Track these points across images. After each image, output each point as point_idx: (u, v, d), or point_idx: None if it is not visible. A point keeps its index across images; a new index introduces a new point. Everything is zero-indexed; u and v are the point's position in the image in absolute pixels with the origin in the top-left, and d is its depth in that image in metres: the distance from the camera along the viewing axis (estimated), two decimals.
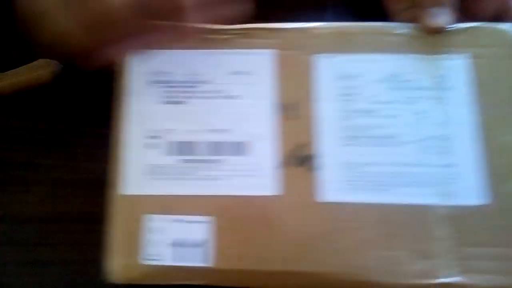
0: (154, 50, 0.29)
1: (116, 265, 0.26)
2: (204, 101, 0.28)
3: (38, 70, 0.33)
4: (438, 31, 0.29)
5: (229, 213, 0.27)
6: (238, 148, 0.28)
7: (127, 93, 0.28)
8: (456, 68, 0.28)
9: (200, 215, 0.27)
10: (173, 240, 0.26)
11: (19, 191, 0.31)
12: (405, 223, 0.26)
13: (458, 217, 0.26)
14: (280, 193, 0.27)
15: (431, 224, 0.26)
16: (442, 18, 0.28)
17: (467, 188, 0.27)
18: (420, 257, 0.26)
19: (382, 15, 0.31)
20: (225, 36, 0.29)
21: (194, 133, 0.28)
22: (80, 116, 0.33)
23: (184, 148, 0.28)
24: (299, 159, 0.27)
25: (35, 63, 0.33)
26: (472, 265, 0.25)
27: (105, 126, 0.29)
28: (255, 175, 0.27)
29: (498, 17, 0.31)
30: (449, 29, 0.29)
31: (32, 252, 0.30)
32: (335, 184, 0.27)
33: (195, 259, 0.26)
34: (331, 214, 0.27)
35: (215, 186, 0.27)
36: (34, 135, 0.32)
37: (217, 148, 0.28)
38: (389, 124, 0.28)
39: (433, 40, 0.29)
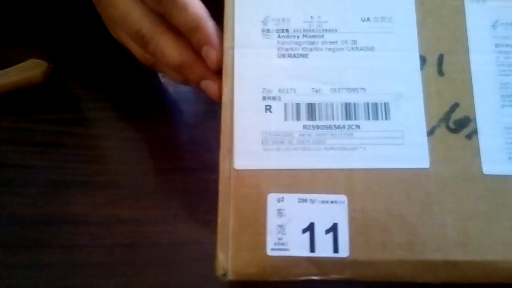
0: None
1: (233, 258, 0.21)
2: (331, 54, 0.23)
3: (29, 71, 0.32)
4: None
5: (367, 190, 0.22)
6: (376, 111, 0.22)
7: (237, 45, 0.23)
8: None
9: (335, 193, 0.22)
10: (303, 225, 0.21)
11: (11, 192, 0.30)
12: None
13: None
14: (433, 166, 0.22)
15: None
16: None
17: None
18: None
19: None
20: None
21: (319, 93, 0.23)
22: (72, 117, 0.32)
23: (309, 111, 0.22)
24: (453, 123, 0.22)
25: (26, 63, 0.32)
26: None
27: (97, 126, 0.31)
28: (400, 143, 0.22)
29: None
30: None
31: (25, 255, 0.28)
32: (498, 154, 0.22)
33: (330, 249, 0.21)
34: (497, 190, 0.22)
35: (350, 158, 0.22)
36: (25, 136, 0.32)
37: (350, 111, 0.22)
38: None
39: None
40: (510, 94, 0.23)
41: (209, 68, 0.24)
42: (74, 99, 0.33)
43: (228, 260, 0.21)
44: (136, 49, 0.27)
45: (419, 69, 0.23)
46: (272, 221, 0.21)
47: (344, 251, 0.21)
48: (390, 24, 0.23)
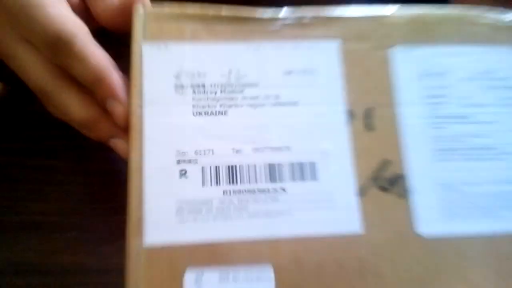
0: (181, 43, 0.21)
1: None
2: (252, 111, 0.21)
3: None
4: None
5: (295, 260, 0.19)
6: (302, 171, 0.21)
7: (146, 103, 0.21)
8: None
9: (260, 266, 0.19)
10: None
11: None
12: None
13: None
14: (365, 229, 0.20)
15: None
16: None
17: None
18: None
19: None
20: (272, 27, 0.22)
21: (241, 153, 0.21)
22: (26, 146, 0.27)
23: (229, 174, 0.20)
24: (385, 181, 0.21)
25: None
26: None
27: (56, 157, 0.26)
28: (329, 206, 0.20)
29: None
30: None
31: None
32: (433, 212, 0.21)
33: None
34: (433, 252, 0.20)
35: (275, 225, 0.20)
36: None
37: (274, 172, 0.20)
38: (487, 132, 0.22)
39: None
40: (442, 148, 0.21)
41: (117, 124, 0.22)
42: (29, 125, 0.28)
43: None
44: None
45: (345, 124, 0.21)
46: None
47: None
48: (314, 77, 0.22)
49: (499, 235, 0.21)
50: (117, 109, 0.21)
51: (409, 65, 0.22)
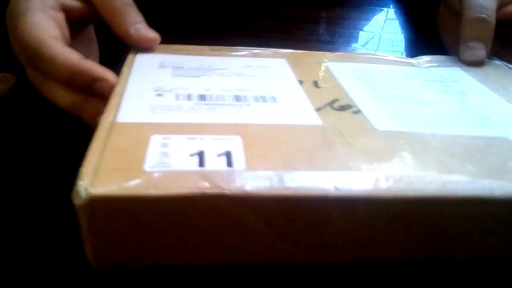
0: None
1: (100, 177, 0.16)
2: (221, 78, 0.26)
3: None
4: (474, 64, 0.31)
5: (261, 135, 0.20)
6: (264, 99, 0.23)
7: (133, 71, 0.26)
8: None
9: (226, 134, 0.19)
10: (194, 152, 0.18)
11: None
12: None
13: None
14: (324, 124, 0.21)
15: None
16: (479, 52, 0.31)
17: None
18: None
19: None
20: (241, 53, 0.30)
21: (210, 91, 0.24)
22: None
23: (199, 97, 0.23)
24: (337, 107, 0.24)
25: None
26: None
27: None
28: (291, 113, 0.22)
29: None
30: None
31: None
32: (384, 119, 0.23)
33: (222, 163, 0.17)
34: (390, 138, 0.21)
35: (242, 118, 0.21)
36: None
37: (240, 98, 0.23)
38: (418, 93, 0.26)
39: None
40: (380, 96, 0.25)
41: (102, 104, 0.23)
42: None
43: (91, 180, 0.16)
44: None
45: (298, 85, 0.26)
46: (153, 149, 0.18)
47: (240, 165, 0.17)
48: (268, 68, 0.28)
49: (452, 136, 0.22)
50: (105, 87, 0.24)
51: (343, 65, 0.29)
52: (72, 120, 0.26)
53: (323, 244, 0.18)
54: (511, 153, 0.21)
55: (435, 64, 0.31)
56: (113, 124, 0.20)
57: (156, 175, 0.16)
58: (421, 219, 0.18)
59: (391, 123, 0.22)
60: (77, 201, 0.15)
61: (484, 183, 0.18)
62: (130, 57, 0.27)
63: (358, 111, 0.23)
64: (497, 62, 0.32)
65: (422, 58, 0.32)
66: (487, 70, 0.31)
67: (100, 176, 0.16)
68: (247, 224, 0.17)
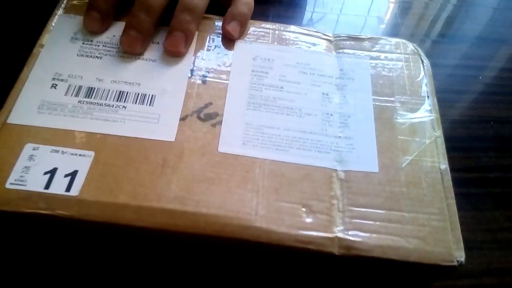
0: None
1: None
2: (120, 59, 0.29)
3: None
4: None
5: (114, 150, 0.25)
6: (144, 100, 0.27)
7: (46, 42, 0.29)
8: (357, 65, 0.31)
9: (86, 150, 0.25)
10: (47, 169, 0.24)
11: None
12: (300, 179, 0.25)
13: (350, 181, 0.26)
14: (177, 140, 0.26)
15: (323, 185, 0.25)
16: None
17: (360, 157, 0.27)
18: (310, 211, 0.24)
19: None
20: None
21: (101, 82, 0.28)
22: None
23: (88, 92, 0.27)
24: (203, 115, 0.27)
25: None
26: (359, 224, 0.24)
27: None
28: (155, 122, 0.27)
29: None
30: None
31: None
32: (235, 140, 0.26)
33: (63, 188, 0.23)
34: (225, 163, 0.25)
35: (108, 127, 0.26)
36: None
37: (122, 97, 0.27)
38: (292, 98, 0.29)
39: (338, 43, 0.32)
40: (254, 102, 0.28)
41: None
42: None
43: None
44: None
45: (186, 77, 0.29)
46: (20, 163, 0.24)
47: (75, 191, 0.23)
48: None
49: (285, 164, 0.26)
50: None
51: (247, 51, 0.31)
52: None
53: None
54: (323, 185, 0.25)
55: (349, 51, 0.32)
56: (4, 124, 0.25)
57: (12, 194, 0.23)
58: None
59: (235, 144, 0.26)
60: None
61: None
62: (49, 21, 0.30)
63: (218, 123, 0.27)
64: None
65: (340, 36, 0.33)
66: None
67: None
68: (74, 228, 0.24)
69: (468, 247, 0.24)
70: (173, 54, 0.30)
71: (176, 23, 0.30)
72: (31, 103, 0.26)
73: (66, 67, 0.28)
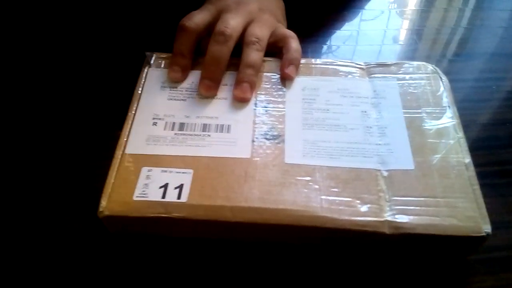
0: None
1: (110, 202, 0.31)
2: (200, 100, 0.38)
3: None
4: None
5: (207, 167, 0.33)
6: (222, 128, 0.36)
7: (143, 91, 0.38)
8: (387, 86, 0.38)
9: (186, 168, 0.33)
10: (161, 184, 0.32)
11: None
12: (351, 179, 0.32)
13: (392, 177, 0.32)
14: (252, 157, 0.34)
15: (371, 182, 0.32)
16: None
17: (398, 158, 0.34)
18: (363, 202, 0.31)
19: None
20: None
21: (189, 118, 0.36)
22: None
23: (180, 126, 0.36)
24: (269, 136, 0.35)
25: None
26: (403, 209, 0.31)
27: None
28: (234, 145, 0.34)
29: None
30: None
31: None
32: (296, 152, 0.34)
33: (175, 197, 0.31)
34: (292, 171, 0.33)
35: (200, 150, 0.34)
36: None
37: (206, 127, 0.36)
38: (340, 118, 0.36)
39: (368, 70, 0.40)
40: (308, 123, 0.36)
41: None
42: None
43: (106, 203, 0.31)
44: None
45: (252, 109, 0.37)
46: (141, 181, 0.32)
47: (184, 198, 0.31)
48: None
49: (338, 168, 0.33)
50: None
51: (297, 84, 0.39)
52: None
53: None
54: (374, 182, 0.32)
55: (379, 75, 0.39)
56: (123, 155, 0.34)
57: (138, 203, 0.31)
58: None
59: (297, 156, 0.34)
60: (100, 215, 0.31)
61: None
62: (141, 74, 0.39)
63: (281, 141, 0.35)
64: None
65: (370, 64, 0.40)
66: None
67: (111, 202, 0.31)
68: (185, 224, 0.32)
69: (495, 227, 0.30)
70: (242, 100, 0.38)
71: (243, 76, 0.38)
72: (140, 137, 0.35)
73: (161, 109, 0.37)
